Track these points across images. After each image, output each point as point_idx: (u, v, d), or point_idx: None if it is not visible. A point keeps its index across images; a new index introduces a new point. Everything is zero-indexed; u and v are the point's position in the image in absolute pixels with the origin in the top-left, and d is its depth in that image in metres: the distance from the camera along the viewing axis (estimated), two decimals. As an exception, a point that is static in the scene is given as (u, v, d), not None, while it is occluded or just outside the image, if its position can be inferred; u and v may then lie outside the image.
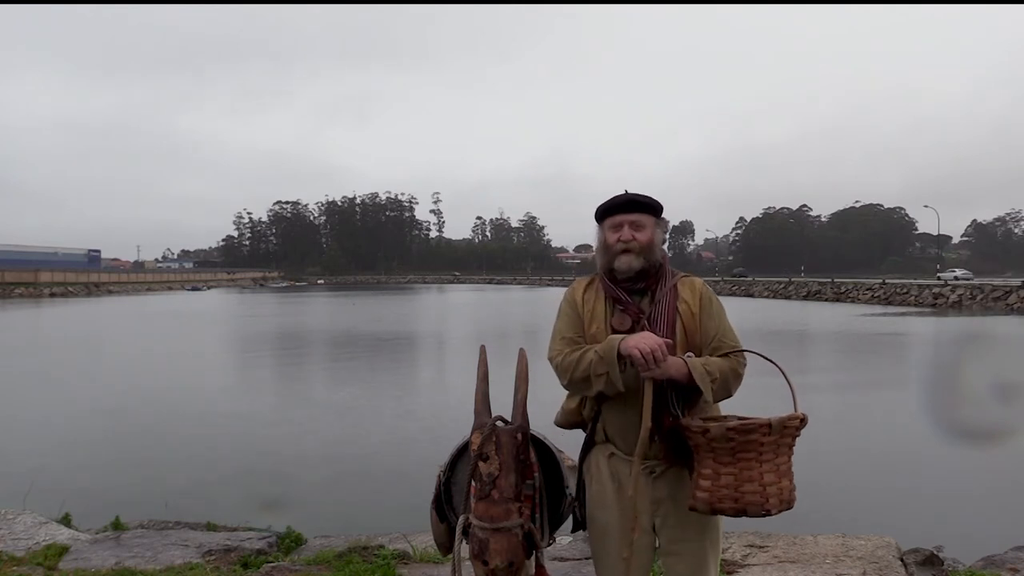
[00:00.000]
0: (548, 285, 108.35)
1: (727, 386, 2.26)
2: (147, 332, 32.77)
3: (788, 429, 2.09)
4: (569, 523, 2.56)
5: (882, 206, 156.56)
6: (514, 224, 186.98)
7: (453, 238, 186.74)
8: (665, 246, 2.51)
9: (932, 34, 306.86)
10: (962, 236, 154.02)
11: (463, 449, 2.48)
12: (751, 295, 65.66)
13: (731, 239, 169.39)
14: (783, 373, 2.23)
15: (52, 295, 76.63)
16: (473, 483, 2.23)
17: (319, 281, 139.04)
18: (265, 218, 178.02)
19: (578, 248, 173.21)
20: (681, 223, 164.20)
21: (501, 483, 2.14)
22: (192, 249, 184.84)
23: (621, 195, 2.43)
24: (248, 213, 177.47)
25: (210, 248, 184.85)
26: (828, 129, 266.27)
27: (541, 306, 46.50)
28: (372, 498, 8.09)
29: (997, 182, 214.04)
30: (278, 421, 12.48)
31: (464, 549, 2.25)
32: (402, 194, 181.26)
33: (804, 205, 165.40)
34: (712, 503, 2.11)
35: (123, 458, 9.74)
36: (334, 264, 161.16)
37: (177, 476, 8.75)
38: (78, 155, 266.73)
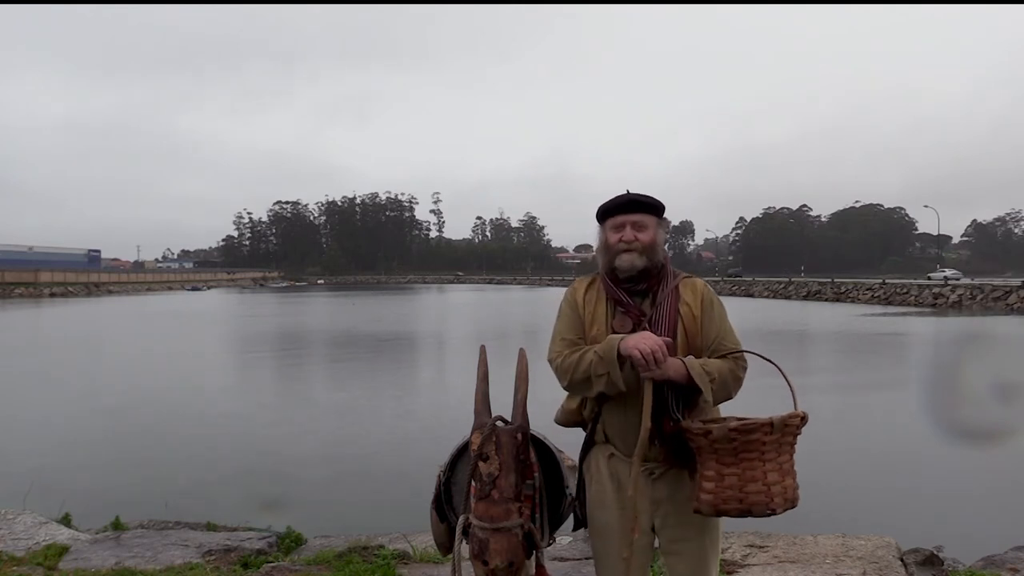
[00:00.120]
0: (548, 285, 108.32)
1: (726, 388, 2.25)
2: (147, 332, 32.77)
3: (789, 427, 2.09)
4: (570, 523, 2.57)
5: (882, 206, 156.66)
6: (514, 224, 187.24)
7: (453, 238, 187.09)
8: (666, 246, 2.49)
9: (932, 34, 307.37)
10: (962, 236, 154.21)
11: (463, 449, 2.48)
12: (751, 295, 65.63)
13: (731, 239, 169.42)
14: (782, 372, 2.23)
15: (52, 295, 76.63)
16: (473, 483, 2.23)
17: (319, 281, 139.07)
18: (265, 218, 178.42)
19: (578, 248, 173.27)
20: (681, 223, 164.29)
21: (501, 483, 2.14)
22: (192, 249, 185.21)
23: (623, 195, 2.41)
24: (248, 213, 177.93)
25: (210, 248, 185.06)
26: (828, 129, 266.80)
27: (541, 306, 46.50)
28: (372, 498, 8.08)
29: (997, 182, 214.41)
30: (278, 421, 12.48)
31: (464, 549, 2.25)
32: (402, 194, 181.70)
33: (804, 205, 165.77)
34: (717, 504, 2.11)
35: (123, 458, 9.73)
36: (334, 264, 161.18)
37: (177, 476, 8.74)
38: (78, 155, 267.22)
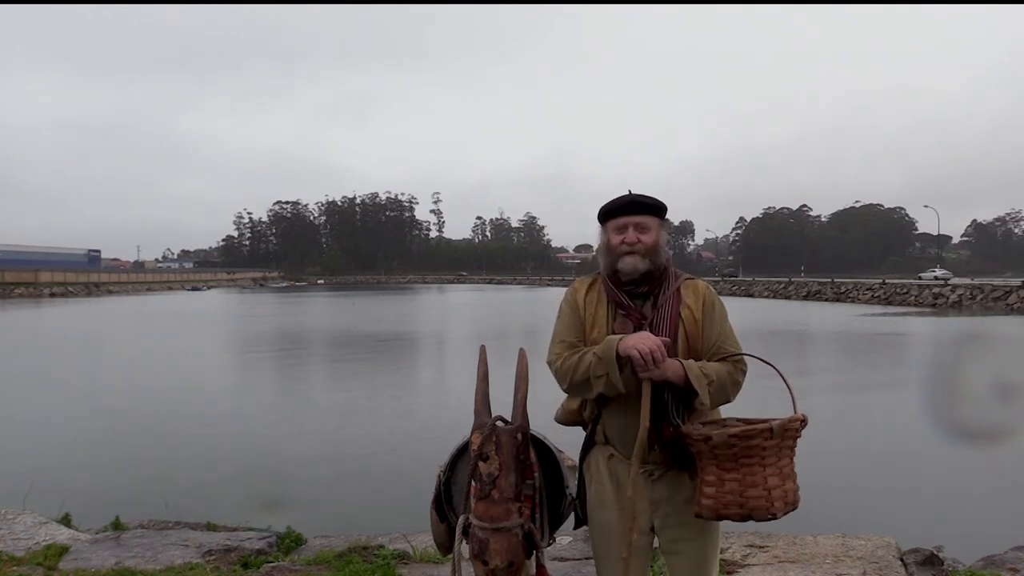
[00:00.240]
0: (548, 285, 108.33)
1: (724, 391, 2.24)
2: (147, 332, 32.77)
3: (789, 432, 2.09)
4: (570, 522, 2.57)
5: (882, 206, 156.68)
6: (514, 224, 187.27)
7: (453, 238, 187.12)
8: (668, 248, 2.48)
9: (932, 34, 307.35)
10: (962, 236, 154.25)
11: (463, 449, 2.48)
12: (751, 295, 65.65)
13: (731, 239, 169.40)
14: (781, 376, 2.23)
15: (52, 295, 76.63)
16: (473, 483, 2.23)
17: (319, 281, 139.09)
18: (265, 218, 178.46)
19: (578, 248, 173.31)
20: (681, 223, 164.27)
21: (501, 483, 2.14)
22: (192, 249, 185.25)
23: (625, 196, 2.38)
24: (248, 213, 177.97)
25: (210, 248, 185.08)
26: (828, 129, 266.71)
27: (541, 306, 46.50)
28: (372, 498, 8.08)
29: (997, 182, 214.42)
30: (278, 421, 12.48)
31: (464, 549, 2.25)
32: (402, 194, 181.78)
33: (804, 205, 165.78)
34: (717, 509, 2.12)
35: (123, 458, 9.73)
36: (334, 264, 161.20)
37: (177, 476, 8.75)
38: (78, 155, 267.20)
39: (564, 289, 2.67)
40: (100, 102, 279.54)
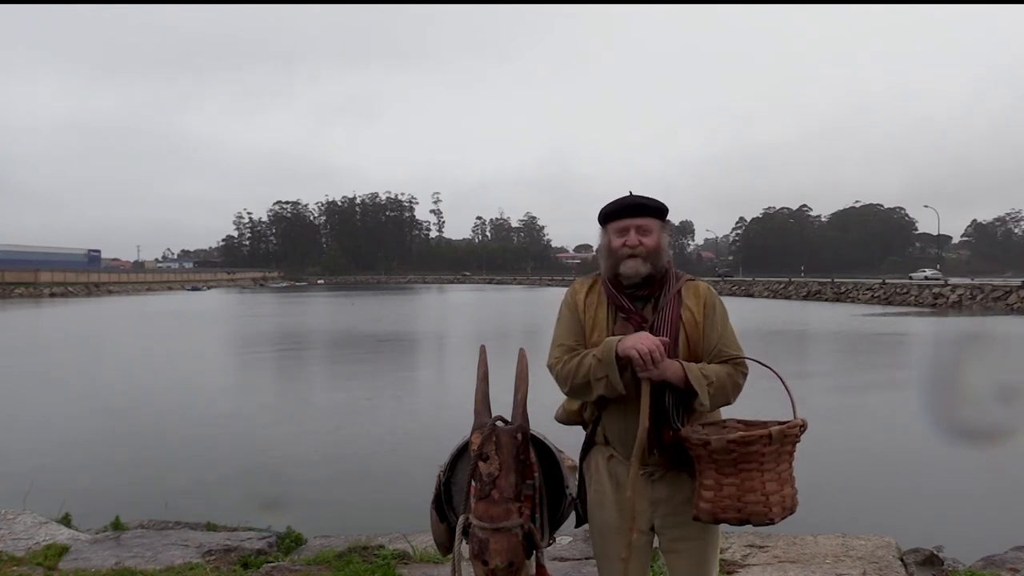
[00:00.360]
0: (548, 285, 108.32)
1: (724, 393, 2.24)
2: (147, 332, 32.77)
3: (788, 437, 2.09)
4: (570, 522, 2.57)
5: (882, 206, 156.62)
6: (514, 224, 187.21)
7: (453, 238, 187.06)
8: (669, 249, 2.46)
9: (932, 34, 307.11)
10: (962, 236, 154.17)
11: (463, 449, 2.48)
12: (751, 295, 65.66)
13: (731, 239, 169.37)
14: (781, 380, 2.22)
15: (52, 295, 76.63)
16: (473, 483, 2.23)
17: (319, 281, 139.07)
18: (265, 218, 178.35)
19: (578, 248, 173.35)
20: (681, 223, 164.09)
21: (501, 483, 2.14)
22: (192, 249, 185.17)
23: (626, 197, 2.36)
24: (248, 213, 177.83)
25: (210, 248, 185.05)
26: (828, 129, 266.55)
27: (541, 306, 46.50)
28: (372, 498, 8.09)
29: (997, 182, 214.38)
30: (278, 421, 12.48)
31: (464, 549, 2.25)
32: (402, 194, 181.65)
33: (804, 205, 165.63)
34: (715, 513, 2.12)
35: (123, 458, 9.73)
36: (334, 264, 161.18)
37: (177, 476, 8.75)
38: (78, 155, 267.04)
39: (564, 289, 2.65)
40: (100, 102, 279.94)
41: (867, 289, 55.84)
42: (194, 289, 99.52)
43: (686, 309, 2.30)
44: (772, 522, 2.10)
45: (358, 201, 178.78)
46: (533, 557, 2.29)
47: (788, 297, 61.15)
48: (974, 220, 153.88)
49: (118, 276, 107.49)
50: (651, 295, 2.33)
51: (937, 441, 10.69)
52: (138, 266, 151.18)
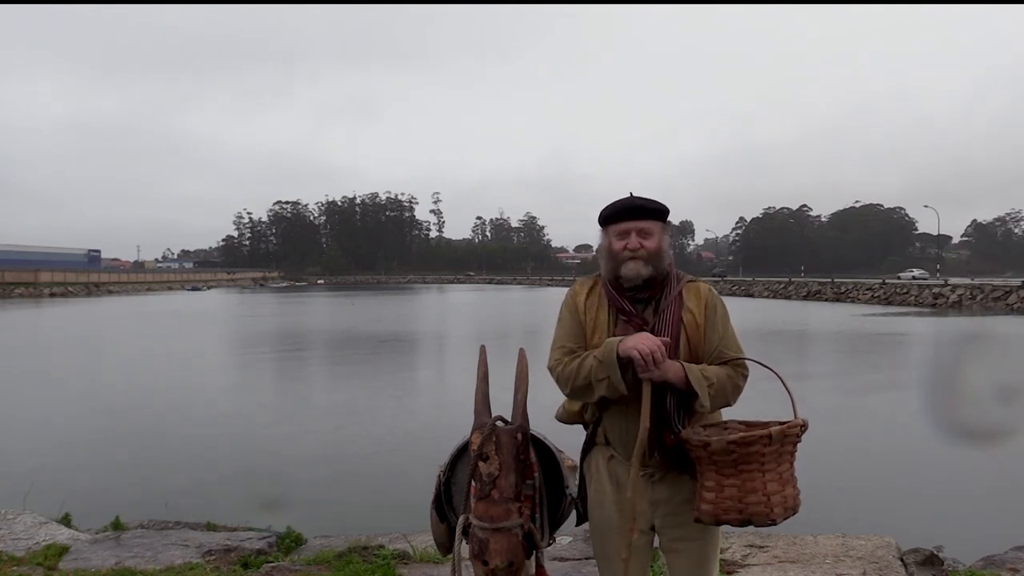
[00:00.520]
0: (548, 285, 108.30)
1: (725, 394, 2.23)
2: (147, 332, 32.77)
3: (789, 438, 2.09)
4: (570, 522, 2.57)
5: (882, 206, 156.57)
6: (514, 224, 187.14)
7: (453, 238, 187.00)
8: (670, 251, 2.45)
9: (932, 34, 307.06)
10: (962, 236, 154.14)
11: (463, 449, 2.48)
12: (751, 295, 65.66)
13: (731, 239, 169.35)
14: (781, 380, 2.22)
15: (52, 295, 76.61)
16: (473, 483, 2.23)
17: (319, 281, 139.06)
18: (265, 218, 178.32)
19: (578, 248, 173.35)
20: (681, 223, 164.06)
21: (501, 483, 2.14)
22: (192, 249, 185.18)
23: (627, 199, 2.34)
24: (248, 213, 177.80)
25: (210, 248, 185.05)
26: (828, 129, 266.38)
27: (541, 306, 46.51)
28: (372, 498, 8.09)
29: (997, 182, 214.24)
30: (278, 421, 12.48)
31: (464, 549, 2.25)
32: (402, 194, 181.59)
33: (804, 205, 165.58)
34: (717, 515, 2.12)
35: (123, 458, 9.73)
36: (334, 264, 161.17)
37: (177, 476, 8.75)
38: (78, 155, 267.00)
39: (564, 289, 2.65)
40: (100, 102, 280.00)
41: (867, 289, 55.83)
42: (194, 289, 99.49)
43: (687, 311, 2.30)
44: (774, 523, 2.10)
45: (358, 201, 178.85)
46: (533, 557, 2.29)
47: (788, 297, 61.14)
48: (974, 220, 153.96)
49: (118, 276, 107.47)
50: (652, 297, 2.32)
51: (937, 441, 10.69)
52: (138, 266, 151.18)
